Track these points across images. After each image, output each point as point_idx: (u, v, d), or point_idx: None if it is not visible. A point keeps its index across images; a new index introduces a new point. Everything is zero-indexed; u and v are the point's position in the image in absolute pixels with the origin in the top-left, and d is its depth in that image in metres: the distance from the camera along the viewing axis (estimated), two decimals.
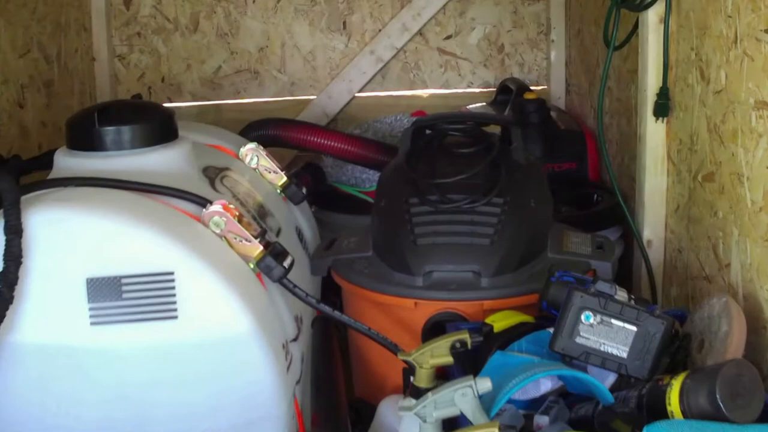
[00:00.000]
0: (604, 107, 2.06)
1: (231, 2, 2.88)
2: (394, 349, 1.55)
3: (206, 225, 1.43)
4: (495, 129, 1.95)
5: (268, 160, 1.89)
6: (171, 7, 2.87)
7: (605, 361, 1.33)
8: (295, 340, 1.54)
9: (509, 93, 2.64)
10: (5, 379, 1.34)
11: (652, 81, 1.83)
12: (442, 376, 1.46)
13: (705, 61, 1.64)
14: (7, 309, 1.26)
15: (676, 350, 1.40)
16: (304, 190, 1.93)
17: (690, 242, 1.75)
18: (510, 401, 1.30)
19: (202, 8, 2.88)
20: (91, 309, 1.32)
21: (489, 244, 1.67)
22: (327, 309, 1.57)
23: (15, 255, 1.27)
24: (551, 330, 1.37)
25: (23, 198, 1.33)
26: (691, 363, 1.40)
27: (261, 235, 1.48)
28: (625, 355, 1.32)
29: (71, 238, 1.33)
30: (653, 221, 1.90)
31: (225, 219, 1.44)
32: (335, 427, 1.51)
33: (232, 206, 1.46)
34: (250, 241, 1.45)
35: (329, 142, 2.29)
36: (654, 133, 1.86)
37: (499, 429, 1.14)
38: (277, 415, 1.41)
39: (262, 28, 2.91)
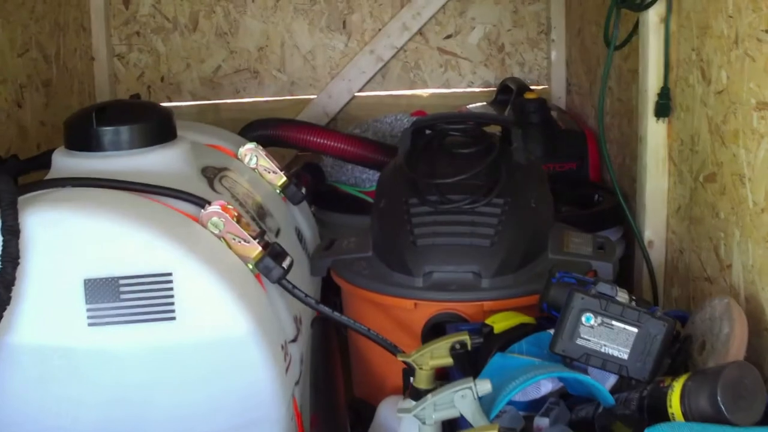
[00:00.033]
0: (604, 107, 2.06)
1: (230, 1, 2.88)
2: (393, 350, 1.54)
3: (205, 226, 1.43)
4: (495, 129, 1.95)
5: (268, 160, 1.88)
6: (170, 7, 2.87)
7: (606, 362, 1.33)
8: (294, 340, 1.53)
9: (510, 93, 2.64)
10: (2, 380, 1.33)
11: (652, 81, 1.83)
12: (442, 377, 1.45)
13: (706, 61, 1.63)
14: (4, 310, 1.26)
15: (677, 352, 1.39)
16: (303, 190, 1.93)
17: (691, 243, 1.75)
18: (510, 402, 1.30)
19: (201, 7, 2.87)
20: (88, 310, 1.32)
21: (489, 245, 1.67)
22: (326, 310, 1.56)
23: (12, 256, 1.27)
24: (552, 331, 1.37)
25: (21, 198, 1.33)
26: (692, 365, 1.39)
27: (260, 236, 1.47)
28: (626, 356, 1.32)
29: (69, 239, 1.33)
30: (654, 222, 1.89)
31: (223, 220, 1.43)
32: (334, 428, 1.50)
33: (230, 207, 1.46)
34: (248, 242, 1.44)
35: (329, 142, 2.28)
36: (655, 134, 1.85)
37: (499, 431, 1.13)
38: (275, 417, 1.41)
39: (261, 28, 2.91)
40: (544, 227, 1.78)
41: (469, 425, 1.23)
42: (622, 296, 1.35)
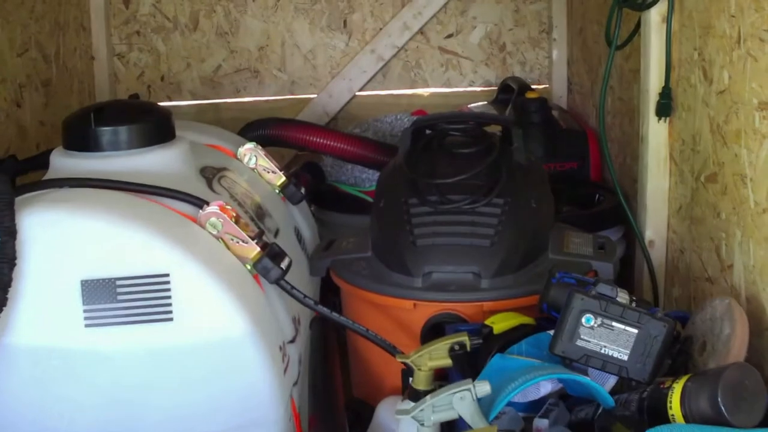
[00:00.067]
0: (606, 107, 2.05)
1: (231, 1, 2.87)
2: (392, 350, 1.54)
3: (203, 226, 1.42)
4: (496, 129, 1.94)
5: (267, 159, 1.88)
6: (170, 6, 2.86)
7: (606, 364, 1.32)
8: (292, 341, 1.53)
9: (511, 92, 2.63)
10: None
11: (654, 81, 1.82)
12: (441, 377, 1.45)
13: (708, 61, 1.62)
14: (1, 311, 1.26)
15: (677, 353, 1.39)
16: (302, 190, 1.92)
17: (692, 243, 1.74)
18: (509, 403, 1.29)
19: (201, 7, 2.87)
20: (85, 311, 1.31)
21: (489, 245, 1.66)
22: (325, 310, 1.56)
23: (9, 257, 1.27)
24: (552, 332, 1.36)
25: (18, 199, 1.32)
26: (692, 365, 1.39)
27: (258, 236, 1.46)
28: (626, 357, 1.31)
29: (66, 240, 1.32)
30: (655, 222, 1.88)
31: (222, 220, 1.42)
32: (333, 428, 1.50)
33: (229, 207, 1.45)
34: (247, 243, 1.44)
35: (329, 142, 2.28)
36: (656, 133, 1.84)
37: None
38: (273, 418, 1.40)
39: (262, 27, 2.90)
40: (545, 227, 1.77)
41: (468, 427, 1.22)
42: (623, 297, 1.35)
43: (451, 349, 1.41)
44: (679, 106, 1.79)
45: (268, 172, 1.87)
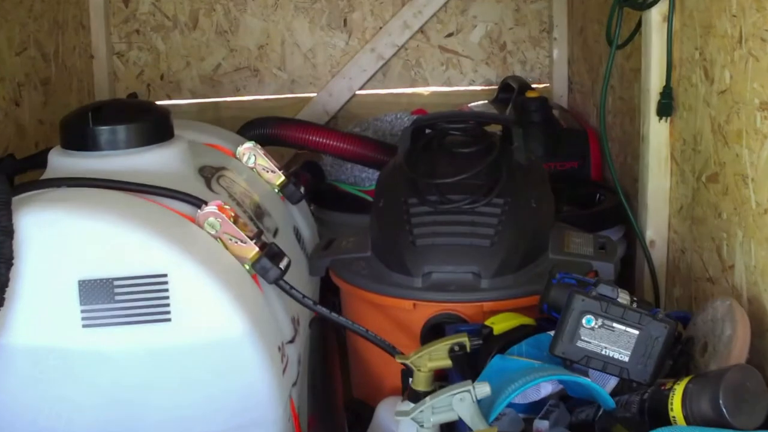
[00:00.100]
0: (606, 106, 2.04)
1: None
2: (392, 351, 1.53)
3: (201, 226, 1.42)
4: (496, 128, 1.93)
5: (266, 159, 1.87)
6: (170, 5, 2.86)
7: (607, 365, 1.31)
8: (291, 341, 1.52)
9: (511, 91, 2.62)
10: None
11: (655, 80, 1.81)
12: (441, 378, 1.44)
13: (709, 60, 1.62)
14: None
15: (678, 354, 1.38)
16: (302, 190, 1.92)
17: (693, 243, 1.73)
18: (509, 405, 1.29)
19: (201, 5, 2.86)
20: (83, 311, 1.31)
21: (489, 245, 1.65)
22: (324, 311, 1.55)
23: (6, 257, 1.26)
24: (552, 333, 1.35)
25: (15, 198, 1.32)
26: (694, 367, 1.38)
27: (257, 236, 1.46)
28: (626, 359, 1.30)
29: (63, 240, 1.32)
30: (656, 221, 1.88)
31: (220, 220, 1.42)
32: (332, 429, 1.50)
33: (227, 207, 1.45)
34: (245, 243, 1.43)
35: (328, 141, 2.27)
36: (657, 133, 1.84)
37: None
38: (272, 418, 1.40)
39: (261, 26, 2.89)
40: (545, 227, 1.76)
41: (468, 428, 1.21)
42: (623, 298, 1.34)
43: (451, 350, 1.40)
44: (680, 105, 1.78)
45: (268, 172, 1.86)
